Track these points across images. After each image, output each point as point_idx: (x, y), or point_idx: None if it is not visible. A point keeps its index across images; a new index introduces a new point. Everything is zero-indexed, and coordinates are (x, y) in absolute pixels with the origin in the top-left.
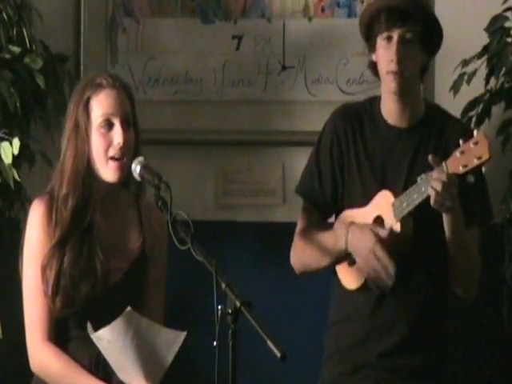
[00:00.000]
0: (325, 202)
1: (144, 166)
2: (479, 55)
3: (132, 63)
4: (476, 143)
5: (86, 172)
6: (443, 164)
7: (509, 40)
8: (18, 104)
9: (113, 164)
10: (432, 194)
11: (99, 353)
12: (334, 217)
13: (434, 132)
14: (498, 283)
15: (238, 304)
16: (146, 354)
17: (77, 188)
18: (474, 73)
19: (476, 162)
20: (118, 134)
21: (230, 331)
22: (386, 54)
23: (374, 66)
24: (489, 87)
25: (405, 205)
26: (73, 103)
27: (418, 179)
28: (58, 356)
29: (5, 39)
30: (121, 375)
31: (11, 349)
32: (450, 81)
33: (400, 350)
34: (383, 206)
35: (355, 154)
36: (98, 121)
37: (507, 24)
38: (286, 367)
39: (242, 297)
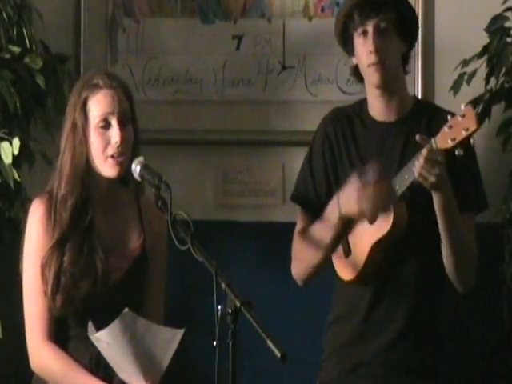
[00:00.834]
0: (320, 206)
1: (144, 166)
2: (479, 55)
3: (132, 63)
4: (463, 116)
5: (84, 172)
6: (432, 140)
7: (509, 40)
8: (18, 104)
9: (111, 161)
10: (416, 166)
11: (99, 352)
12: None
13: (422, 124)
14: (498, 283)
15: (237, 304)
16: (144, 354)
17: (75, 188)
18: (474, 73)
19: (464, 133)
20: (115, 133)
21: (229, 331)
22: (364, 48)
23: (356, 71)
24: (489, 87)
25: (397, 187)
26: (70, 104)
27: (409, 163)
28: (58, 355)
29: (5, 39)
30: (121, 375)
31: (11, 349)
32: (450, 81)
33: (397, 345)
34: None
35: (347, 154)
36: (96, 120)
37: (507, 24)
38: (286, 367)
39: (242, 297)
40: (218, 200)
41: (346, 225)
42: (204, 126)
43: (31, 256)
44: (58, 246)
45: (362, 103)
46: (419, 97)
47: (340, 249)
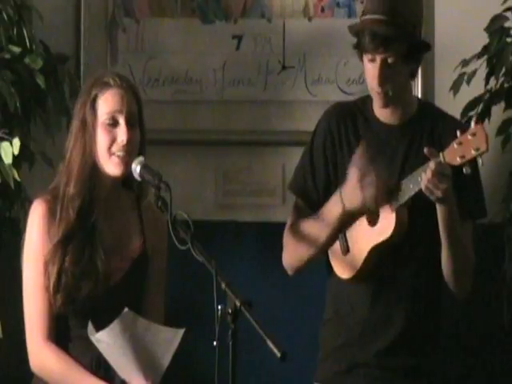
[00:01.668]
0: (318, 198)
1: (144, 166)
2: (479, 55)
3: (132, 63)
4: (474, 134)
5: (92, 170)
6: (440, 155)
7: (509, 40)
8: (18, 104)
9: (116, 159)
10: (423, 179)
11: (100, 353)
12: None
13: (426, 128)
14: (498, 283)
15: (237, 304)
16: (144, 354)
17: (84, 187)
18: (474, 73)
19: (473, 153)
20: (122, 132)
21: (230, 331)
22: (370, 72)
23: None
24: (489, 87)
25: (401, 194)
26: (80, 101)
27: (414, 173)
28: (59, 356)
29: (5, 39)
30: (121, 374)
31: (11, 349)
32: (450, 81)
33: (396, 348)
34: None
35: (349, 151)
36: (104, 118)
37: (507, 24)
38: (285, 367)
39: (242, 297)
40: (218, 200)
41: (345, 222)
42: (204, 126)
43: (32, 255)
44: (62, 245)
45: (365, 100)
46: (419, 96)
47: (337, 245)
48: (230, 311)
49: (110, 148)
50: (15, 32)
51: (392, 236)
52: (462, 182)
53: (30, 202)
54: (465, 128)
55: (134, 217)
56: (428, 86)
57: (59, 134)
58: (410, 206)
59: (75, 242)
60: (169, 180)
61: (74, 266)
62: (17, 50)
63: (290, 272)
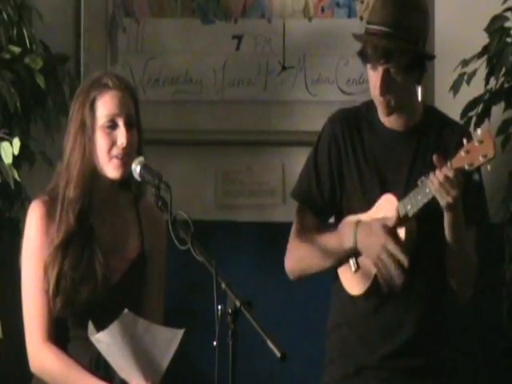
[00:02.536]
0: (323, 203)
1: (144, 166)
2: (479, 55)
3: (132, 63)
4: (481, 141)
5: (91, 173)
6: (448, 163)
7: (509, 40)
8: (18, 104)
9: (116, 161)
10: (434, 184)
11: (99, 353)
12: (333, 218)
13: (432, 135)
14: (498, 283)
15: (237, 304)
16: (144, 355)
17: (84, 191)
18: (474, 73)
19: (482, 160)
20: (121, 135)
21: (230, 331)
22: (372, 81)
23: None
24: (489, 87)
25: (409, 207)
26: (78, 102)
27: (419, 182)
28: (58, 356)
29: (5, 39)
30: (121, 374)
31: (11, 349)
32: (450, 81)
33: (402, 351)
34: (387, 209)
35: (354, 157)
36: (103, 120)
37: (507, 24)
38: (285, 367)
39: (242, 297)
40: (218, 200)
41: (357, 251)
42: (204, 126)
43: (30, 256)
44: (62, 248)
45: (369, 105)
46: (419, 97)
47: (347, 262)
48: (230, 311)
49: (109, 151)
50: (15, 32)
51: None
52: (466, 189)
53: (30, 202)
54: (470, 135)
55: (132, 217)
56: (428, 86)
57: (59, 134)
58: (418, 217)
59: (74, 245)
60: (169, 180)
61: (73, 270)
62: (17, 50)
63: (291, 277)
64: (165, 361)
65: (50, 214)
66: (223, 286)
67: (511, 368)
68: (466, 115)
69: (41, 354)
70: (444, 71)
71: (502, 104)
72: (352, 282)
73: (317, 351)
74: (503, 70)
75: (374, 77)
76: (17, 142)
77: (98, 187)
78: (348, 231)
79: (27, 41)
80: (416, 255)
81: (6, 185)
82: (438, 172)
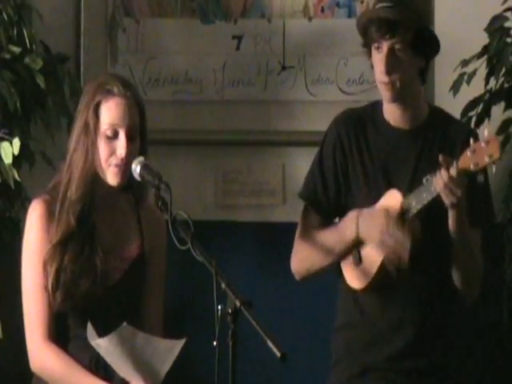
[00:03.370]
0: (328, 204)
1: (144, 166)
2: (479, 55)
3: (132, 63)
4: (487, 142)
5: (93, 174)
6: (454, 163)
7: (509, 40)
8: (18, 104)
9: (114, 170)
10: (440, 183)
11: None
12: (338, 219)
13: (437, 134)
14: (498, 283)
15: (237, 304)
16: (143, 365)
17: (85, 192)
18: (474, 73)
19: (487, 160)
20: (121, 146)
21: (230, 331)
22: (377, 64)
23: None
24: (489, 87)
25: (414, 203)
26: (83, 104)
27: (424, 180)
28: (59, 356)
29: (5, 39)
30: (121, 374)
31: (11, 349)
32: (450, 81)
33: (408, 351)
34: (392, 205)
35: (359, 157)
36: (104, 128)
37: (507, 24)
38: (285, 367)
39: (242, 297)
40: (218, 200)
41: (360, 241)
42: (204, 126)
43: (31, 255)
44: (61, 246)
45: (376, 106)
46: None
47: (349, 255)
48: (230, 311)
49: (108, 159)
50: (15, 32)
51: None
52: (472, 190)
53: (30, 202)
54: (477, 135)
55: (132, 218)
56: (428, 86)
57: (59, 134)
58: (422, 216)
59: (74, 242)
60: (169, 180)
61: (73, 264)
62: (17, 50)
63: (297, 277)
64: (163, 370)
65: (50, 213)
66: (223, 285)
67: (511, 368)
68: (466, 115)
69: (41, 353)
70: (444, 71)
71: (502, 104)
72: (354, 276)
73: (317, 351)
74: (503, 70)
75: (379, 57)
76: (17, 142)
77: (99, 188)
78: (350, 222)
79: (27, 41)
80: (420, 255)
81: (6, 185)
82: (443, 171)
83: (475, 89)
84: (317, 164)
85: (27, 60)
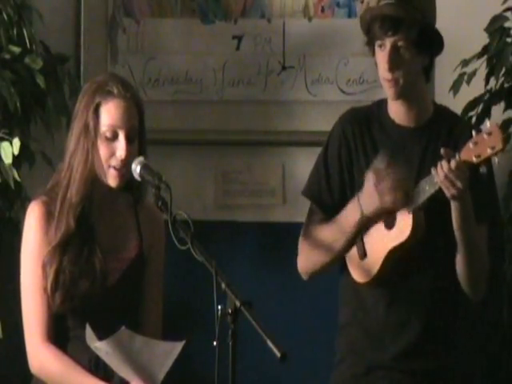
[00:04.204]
0: (332, 202)
1: (144, 166)
2: (479, 55)
3: (132, 63)
4: (489, 134)
5: (93, 176)
6: (456, 155)
7: (509, 40)
8: (18, 104)
9: (113, 172)
10: (440, 175)
11: None
12: None
13: (442, 132)
14: (498, 283)
15: (237, 304)
16: (141, 369)
17: (85, 194)
18: (474, 73)
19: (489, 152)
20: (121, 148)
21: (230, 331)
22: (381, 62)
23: None
24: (489, 87)
25: (417, 197)
26: (82, 104)
27: (432, 170)
28: (58, 357)
29: (5, 39)
30: (121, 374)
31: (11, 349)
32: (450, 81)
33: (414, 350)
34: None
35: (364, 155)
36: (104, 129)
37: (507, 24)
38: (285, 367)
39: (242, 297)
40: (218, 200)
41: (363, 228)
42: (204, 126)
43: (29, 256)
44: (60, 247)
45: (381, 104)
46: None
47: (354, 249)
48: (229, 311)
49: (107, 160)
50: (15, 32)
51: (409, 238)
52: (477, 186)
53: (30, 202)
54: (480, 130)
55: (131, 218)
56: (428, 86)
57: (59, 134)
58: (426, 209)
59: (73, 244)
60: (169, 180)
61: (72, 265)
62: (17, 49)
63: (304, 277)
64: (162, 373)
65: (49, 215)
66: (223, 286)
67: (511, 368)
68: (466, 115)
69: (40, 354)
70: (444, 71)
71: (502, 104)
72: (360, 270)
73: (317, 351)
74: (503, 69)
75: (382, 56)
76: (17, 142)
77: (98, 189)
78: (351, 207)
79: (27, 41)
80: (425, 251)
81: (5, 185)
82: (444, 162)
83: (475, 89)
84: (321, 162)
85: (27, 60)
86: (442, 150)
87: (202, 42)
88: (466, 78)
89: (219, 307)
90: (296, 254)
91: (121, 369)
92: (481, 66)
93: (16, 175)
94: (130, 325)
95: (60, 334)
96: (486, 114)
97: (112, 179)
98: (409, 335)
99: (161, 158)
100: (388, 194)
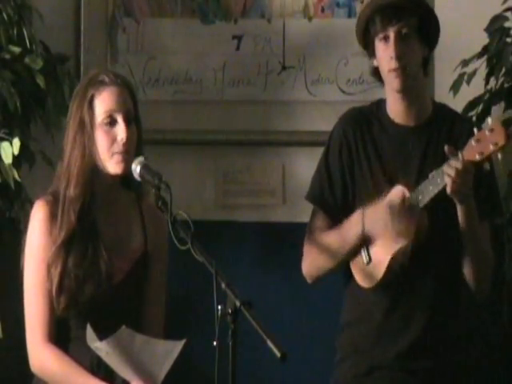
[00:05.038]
0: (335, 204)
1: (144, 166)
2: (479, 55)
3: (132, 63)
4: (491, 130)
5: (92, 171)
6: (459, 153)
7: (509, 40)
8: (18, 104)
9: (118, 157)
10: (448, 180)
11: None
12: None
13: (442, 130)
14: (498, 283)
15: (237, 304)
16: (141, 368)
17: (84, 190)
18: (474, 73)
19: (492, 148)
20: (121, 131)
21: (230, 331)
22: (385, 54)
23: (376, 72)
24: (489, 87)
25: (420, 197)
26: (76, 102)
27: (430, 175)
28: (59, 357)
29: (5, 39)
30: (121, 374)
31: (11, 349)
32: (450, 81)
33: (415, 350)
34: (397, 199)
35: (365, 155)
36: (101, 117)
37: (507, 24)
38: (285, 367)
39: (242, 297)
40: (218, 200)
41: (366, 239)
42: (204, 126)
43: (33, 257)
44: (64, 247)
45: (380, 104)
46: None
47: (359, 255)
48: (229, 311)
49: (110, 148)
50: (15, 32)
51: (412, 239)
52: (479, 183)
53: (30, 202)
54: (481, 128)
55: (135, 216)
56: (428, 86)
57: (59, 134)
58: (429, 208)
59: (77, 244)
60: (169, 180)
61: (77, 267)
62: (17, 49)
63: (309, 280)
64: (162, 372)
65: (53, 214)
66: (223, 285)
67: (511, 368)
68: (466, 115)
69: (41, 354)
70: (444, 71)
71: (502, 104)
72: (364, 275)
73: (317, 351)
74: (503, 70)
75: (387, 46)
76: (17, 142)
77: (100, 185)
78: (355, 220)
79: (27, 41)
80: (428, 251)
81: (5, 185)
82: (449, 161)
83: (475, 89)
84: (323, 165)
85: (27, 60)
86: (446, 148)
87: (201, 42)
88: (465, 77)
89: (219, 307)
90: (296, 254)
91: (121, 369)
92: (481, 66)
93: (16, 175)
94: (133, 325)
95: (62, 335)
96: (486, 113)
97: (116, 165)
98: (411, 335)
99: (161, 158)
100: (396, 228)
